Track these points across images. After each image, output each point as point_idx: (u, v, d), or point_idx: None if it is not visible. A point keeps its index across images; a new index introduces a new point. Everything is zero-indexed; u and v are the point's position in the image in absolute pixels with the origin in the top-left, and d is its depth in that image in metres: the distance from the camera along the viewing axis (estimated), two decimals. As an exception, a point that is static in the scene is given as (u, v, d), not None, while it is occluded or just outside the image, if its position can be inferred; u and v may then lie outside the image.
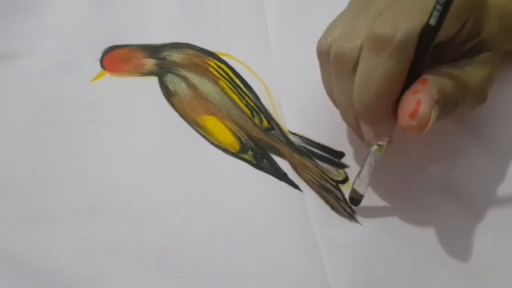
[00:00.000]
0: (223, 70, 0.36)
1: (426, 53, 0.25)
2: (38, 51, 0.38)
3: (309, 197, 0.30)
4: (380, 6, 0.26)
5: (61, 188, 0.30)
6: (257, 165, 0.31)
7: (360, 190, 0.29)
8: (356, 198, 0.29)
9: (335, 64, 0.27)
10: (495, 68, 0.27)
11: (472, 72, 0.26)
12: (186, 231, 0.28)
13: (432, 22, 0.24)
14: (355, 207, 0.29)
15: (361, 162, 0.31)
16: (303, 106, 0.34)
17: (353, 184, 0.29)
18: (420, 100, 0.24)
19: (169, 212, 0.29)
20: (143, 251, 0.28)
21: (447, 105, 0.25)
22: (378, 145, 0.27)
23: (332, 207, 0.29)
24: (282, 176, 0.31)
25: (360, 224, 0.29)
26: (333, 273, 0.27)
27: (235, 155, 0.32)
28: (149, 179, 0.31)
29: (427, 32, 0.24)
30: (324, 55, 0.28)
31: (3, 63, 0.37)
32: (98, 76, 0.36)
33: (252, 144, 0.32)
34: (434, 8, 0.23)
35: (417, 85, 0.25)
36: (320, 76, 0.30)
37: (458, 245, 0.28)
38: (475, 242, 0.28)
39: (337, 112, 0.31)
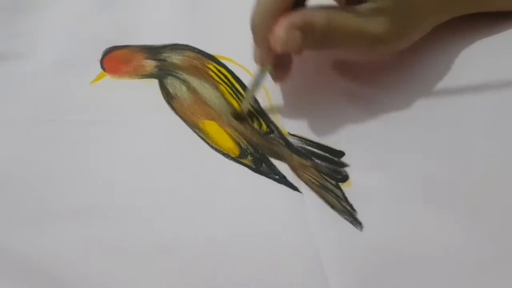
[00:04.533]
0: (223, 74, 0.36)
1: None
2: (38, 51, 0.38)
3: (309, 198, 0.30)
4: None
5: (61, 188, 0.31)
6: (257, 170, 0.31)
7: (244, 108, 0.33)
8: (241, 116, 0.34)
9: None
10: (387, 19, 0.30)
11: (363, 16, 0.29)
12: (185, 233, 0.29)
13: None
14: (356, 205, 0.29)
15: (362, 161, 0.31)
16: (302, 107, 0.34)
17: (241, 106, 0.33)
18: (279, 22, 0.29)
19: (168, 214, 0.29)
20: (143, 252, 0.28)
21: (317, 34, 0.29)
22: (261, 68, 0.32)
23: (332, 206, 0.29)
24: (281, 179, 0.31)
25: (361, 222, 0.28)
26: (333, 274, 0.27)
27: (235, 159, 0.32)
28: (149, 181, 0.31)
29: None
30: None
31: (3, 63, 0.37)
32: (98, 77, 0.36)
33: (251, 150, 0.32)
34: None
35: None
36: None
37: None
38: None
39: (336, 112, 0.33)
